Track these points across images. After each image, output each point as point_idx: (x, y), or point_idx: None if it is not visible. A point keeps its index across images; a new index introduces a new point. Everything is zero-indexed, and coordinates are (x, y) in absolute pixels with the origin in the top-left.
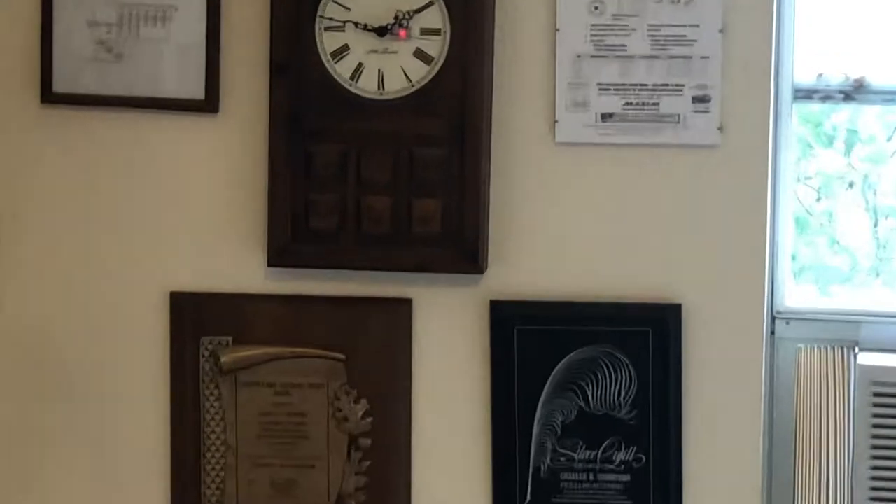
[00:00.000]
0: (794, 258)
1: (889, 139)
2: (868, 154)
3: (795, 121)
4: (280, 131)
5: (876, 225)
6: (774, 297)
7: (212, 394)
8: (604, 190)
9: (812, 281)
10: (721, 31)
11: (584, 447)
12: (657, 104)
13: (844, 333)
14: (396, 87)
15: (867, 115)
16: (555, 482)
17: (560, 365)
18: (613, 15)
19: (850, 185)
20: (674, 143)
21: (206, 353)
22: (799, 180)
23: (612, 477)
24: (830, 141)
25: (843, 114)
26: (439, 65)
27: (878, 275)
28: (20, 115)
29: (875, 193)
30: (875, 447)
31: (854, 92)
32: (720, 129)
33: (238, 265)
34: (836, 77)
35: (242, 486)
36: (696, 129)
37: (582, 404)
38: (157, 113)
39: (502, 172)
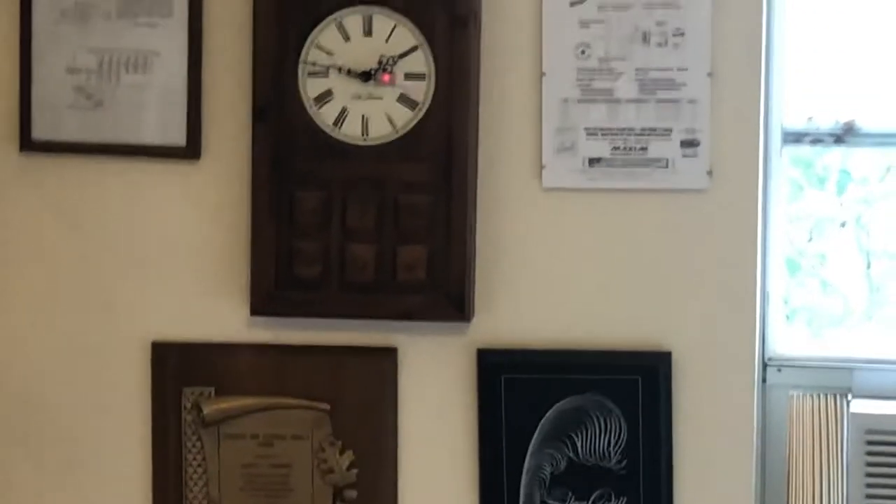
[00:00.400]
0: (785, 301)
1: (881, 180)
2: (860, 195)
3: (786, 163)
4: (263, 178)
5: (869, 267)
6: (766, 343)
7: (194, 446)
8: (592, 236)
9: (804, 323)
10: (710, 74)
11: (573, 498)
12: (645, 148)
13: (837, 380)
14: (381, 132)
15: (859, 156)
16: None
17: (549, 414)
18: (600, 59)
19: (843, 225)
20: (662, 188)
21: (188, 405)
22: (790, 221)
23: None
24: (822, 182)
25: (834, 155)
26: (424, 110)
27: (870, 318)
28: None
29: (868, 235)
30: (869, 497)
31: (844, 135)
32: (709, 173)
33: (220, 314)
34: (826, 120)
35: None
36: (684, 173)
37: (571, 454)
38: (139, 160)
39: (489, 218)
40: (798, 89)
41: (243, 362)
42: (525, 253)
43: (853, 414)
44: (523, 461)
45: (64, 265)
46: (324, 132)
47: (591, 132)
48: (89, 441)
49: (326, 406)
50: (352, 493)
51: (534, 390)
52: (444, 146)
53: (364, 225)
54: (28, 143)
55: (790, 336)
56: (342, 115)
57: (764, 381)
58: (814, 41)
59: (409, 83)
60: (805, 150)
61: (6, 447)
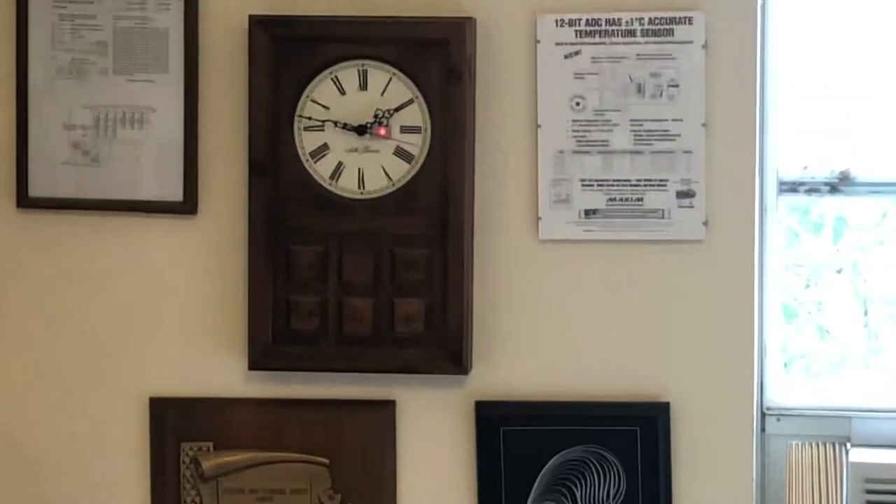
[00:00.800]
0: (782, 348)
1: (877, 226)
2: (856, 242)
3: (782, 211)
4: (259, 232)
5: (866, 314)
6: (764, 393)
7: (193, 501)
8: (589, 287)
9: (801, 370)
10: (704, 125)
11: None
12: (641, 199)
13: (836, 429)
14: (377, 185)
15: (855, 203)
16: None
17: (548, 465)
18: (595, 110)
19: (839, 271)
20: (659, 239)
21: (187, 460)
22: (786, 268)
23: None
24: (818, 229)
25: (830, 201)
26: (420, 163)
27: (868, 366)
28: None
29: (864, 281)
30: None
31: (840, 184)
32: (705, 223)
33: (218, 369)
34: (821, 169)
35: None
36: (681, 224)
37: None
38: (135, 216)
39: (486, 271)
40: (793, 139)
41: (242, 417)
42: (522, 305)
43: (852, 463)
44: None
45: (61, 321)
46: (320, 186)
47: (587, 184)
48: (88, 497)
49: (325, 460)
50: None
51: (532, 442)
52: (440, 199)
53: (361, 278)
54: (25, 200)
55: (788, 385)
56: (338, 169)
57: (763, 430)
58: (808, 91)
59: (405, 136)
60: (801, 199)
61: (2, 502)
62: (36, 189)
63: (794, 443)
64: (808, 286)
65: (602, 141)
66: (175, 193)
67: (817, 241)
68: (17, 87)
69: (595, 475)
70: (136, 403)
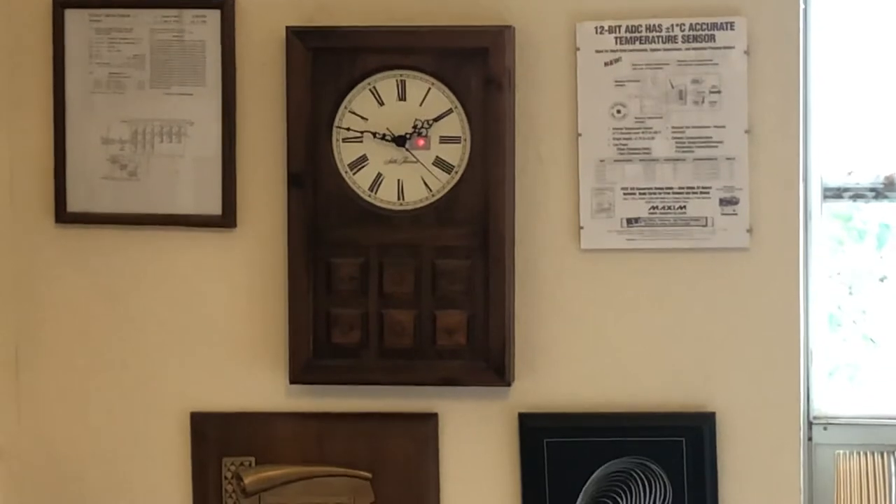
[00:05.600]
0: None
1: None
2: None
3: (826, 218)
4: (299, 245)
5: None
6: (810, 402)
7: None
8: (632, 297)
9: (846, 379)
10: (747, 131)
11: None
12: (684, 207)
13: (883, 437)
14: (416, 197)
15: None
16: None
17: (592, 477)
18: (636, 118)
19: (882, 279)
20: (702, 247)
21: (229, 475)
22: (830, 276)
23: None
24: (861, 236)
25: (873, 208)
26: (460, 173)
27: None
28: (35, 236)
29: None
30: None
31: (885, 189)
32: (749, 231)
33: (259, 383)
34: (866, 175)
35: None
36: (724, 232)
37: None
38: (174, 230)
39: (527, 281)
40: (837, 144)
41: (283, 431)
42: (565, 315)
43: None
44: None
45: (101, 336)
46: (359, 198)
47: (629, 192)
48: None
49: (368, 474)
50: None
51: (577, 454)
52: (480, 209)
53: (402, 290)
54: (64, 215)
55: (834, 393)
56: (377, 180)
57: (809, 439)
58: (852, 95)
59: (444, 147)
60: (845, 205)
61: None
62: (74, 204)
63: (841, 452)
64: (850, 294)
65: (644, 149)
66: (214, 207)
67: (861, 248)
68: (55, 101)
69: (640, 487)
70: (178, 419)
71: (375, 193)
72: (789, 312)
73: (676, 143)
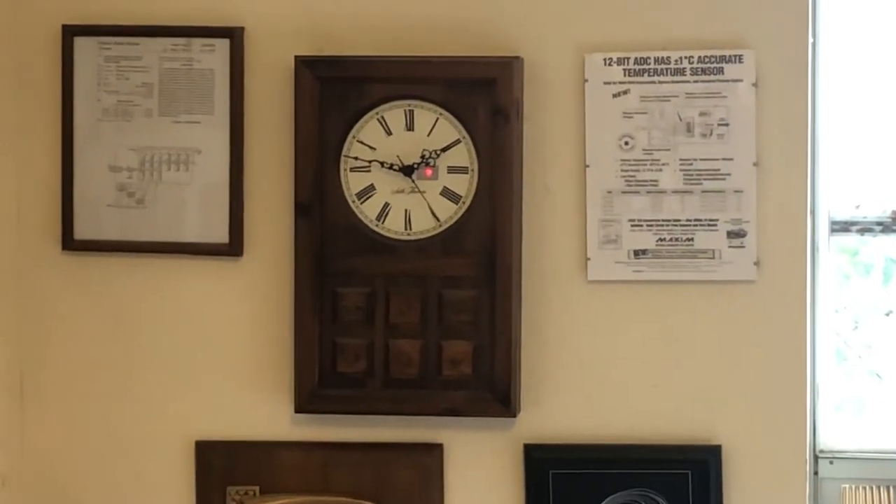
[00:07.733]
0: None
1: None
2: None
3: (833, 252)
4: (305, 274)
5: None
6: (816, 436)
7: None
8: (638, 329)
9: (851, 413)
10: (755, 164)
11: None
12: (691, 239)
13: (889, 472)
14: (424, 226)
15: None
16: None
17: None
18: (644, 150)
19: (888, 314)
20: (709, 280)
21: (234, 503)
22: (836, 311)
23: None
24: (868, 270)
25: (880, 242)
26: (467, 203)
27: None
28: (42, 263)
29: None
30: None
31: (893, 223)
32: (756, 264)
33: (264, 412)
34: (873, 209)
35: None
36: (731, 264)
37: None
38: (181, 258)
39: (534, 312)
40: (845, 177)
41: (288, 460)
42: (571, 347)
43: None
44: None
45: (107, 364)
46: (367, 227)
47: (636, 224)
48: None
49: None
50: None
51: (582, 485)
52: (487, 240)
53: (408, 321)
54: (71, 242)
55: (840, 427)
56: (385, 209)
57: (815, 473)
58: (860, 129)
59: (452, 177)
60: (853, 238)
61: None
62: (81, 231)
63: (846, 486)
64: (856, 328)
65: (651, 180)
66: (221, 235)
67: (866, 282)
68: (63, 129)
69: None
70: (182, 447)
71: (383, 223)
72: (796, 346)
73: (684, 175)
